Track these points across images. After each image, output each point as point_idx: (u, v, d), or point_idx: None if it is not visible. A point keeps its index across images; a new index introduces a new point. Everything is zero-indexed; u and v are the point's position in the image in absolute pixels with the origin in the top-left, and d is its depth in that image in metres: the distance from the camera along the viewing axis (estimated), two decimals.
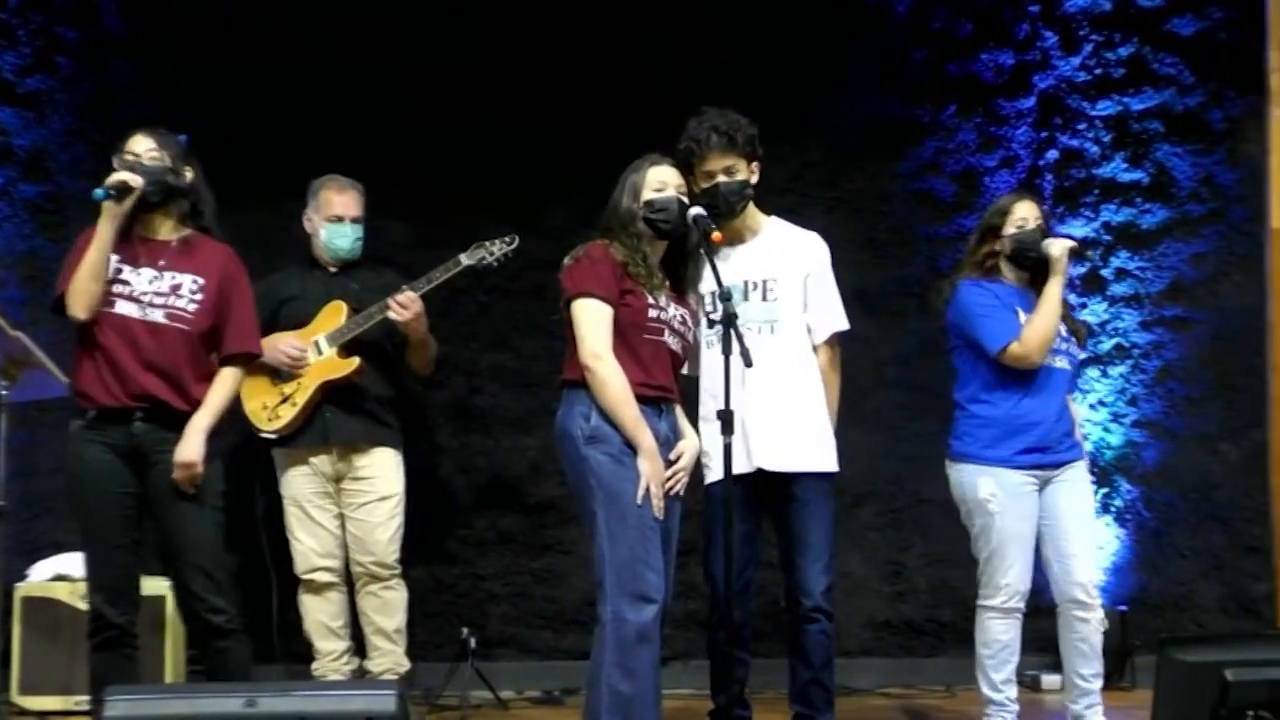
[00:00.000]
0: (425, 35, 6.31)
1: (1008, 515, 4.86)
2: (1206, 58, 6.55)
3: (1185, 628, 6.41)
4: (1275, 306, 6.46)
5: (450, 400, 6.39)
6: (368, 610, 5.50)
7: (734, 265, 4.61)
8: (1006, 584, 4.87)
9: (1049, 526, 4.91)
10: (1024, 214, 4.95)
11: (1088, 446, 6.11)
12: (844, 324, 4.73)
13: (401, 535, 5.52)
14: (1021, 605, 4.91)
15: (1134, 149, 6.56)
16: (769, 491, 4.58)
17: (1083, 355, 5.13)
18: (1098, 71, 6.57)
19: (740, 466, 4.45)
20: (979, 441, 4.92)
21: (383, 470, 5.49)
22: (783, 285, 4.63)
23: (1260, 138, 6.52)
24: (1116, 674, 6.14)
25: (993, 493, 4.88)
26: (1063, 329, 4.95)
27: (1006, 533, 4.86)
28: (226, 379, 4.52)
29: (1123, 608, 6.35)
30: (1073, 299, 6.33)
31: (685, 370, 4.60)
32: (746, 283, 4.61)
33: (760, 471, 4.54)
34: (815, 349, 4.68)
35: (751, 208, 4.70)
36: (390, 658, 5.50)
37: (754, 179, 4.66)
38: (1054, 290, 4.84)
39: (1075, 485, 4.93)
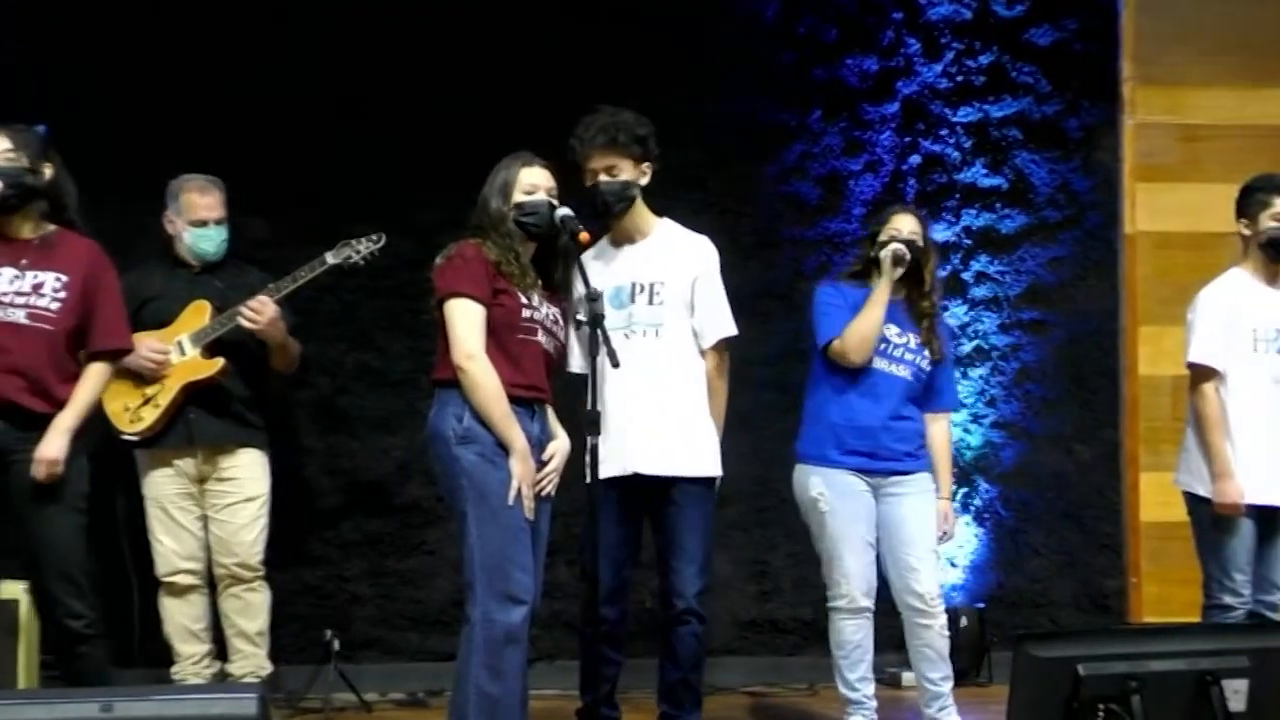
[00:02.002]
0: (290, 27, 6.23)
1: (837, 515, 4.93)
2: (1063, 67, 6.70)
3: (1040, 624, 6.55)
4: (1128, 310, 6.63)
5: (315, 400, 6.32)
6: (230, 613, 5.43)
7: (622, 266, 4.62)
8: (845, 584, 4.94)
9: (886, 536, 4.98)
10: (899, 225, 5.04)
11: None
12: (731, 330, 4.73)
13: (266, 537, 5.45)
14: (867, 604, 4.96)
15: (994, 155, 6.69)
16: (647, 494, 4.60)
17: (944, 371, 5.17)
18: (959, 79, 6.68)
19: (619, 469, 4.47)
20: (812, 442, 5.03)
21: (248, 471, 5.42)
22: (669, 289, 4.63)
23: (1114, 146, 6.69)
24: (974, 671, 6.26)
25: (821, 492, 4.97)
26: (914, 339, 5.03)
27: (837, 532, 4.93)
28: (93, 376, 4.43)
29: (980, 605, 6.46)
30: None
31: (575, 368, 4.60)
32: (634, 284, 4.61)
33: (637, 474, 4.56)
34: (703, 354, 4.69)
35: (642, 209, 4.70)
36: (252, 661, 5.43)
37: (643, 180, 4.66)
38: (877, 292, 4.93)
39: (914, 497, 4.99)
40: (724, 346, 4.73)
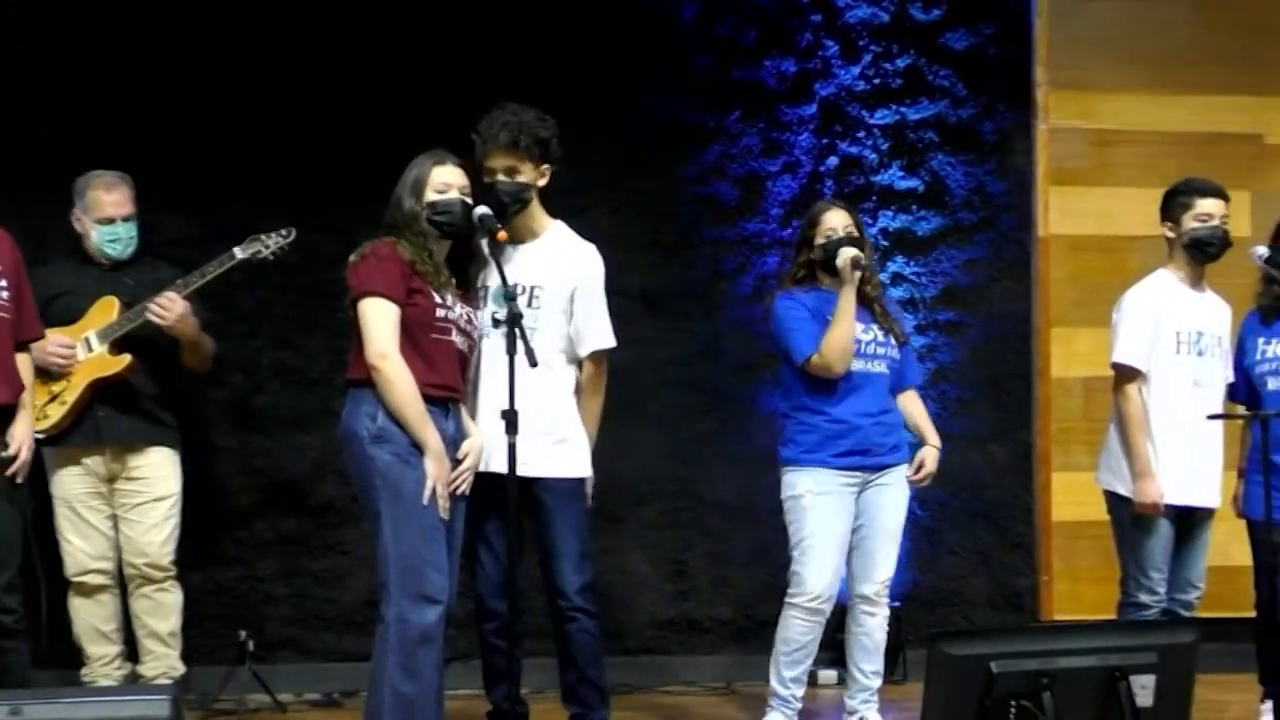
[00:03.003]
0: (205, 24, 6.16)
1: (819, 510, 4.97)
2: (978, 72, 6.77)
3: (955, 622, 6.61)
4: (1041, 312, 6.71)
5: (229, 399, 6.25)
6: (141, 613, 5.37)
7: (508, 266, 4.60)
8: (814, 583, 4.96)
9: (860, 525, 5.04)
10: (832, 224, 5.07)
11: None
12: (608, 342, 4.72)
13: (177, 536, 5.40)
14: (826, 608, 5.00)
15: (910, 158, 6.74)
16: (521, 494, 4.58)
17: (906, 351, 5.22)
18: (876, 81, 6.73)
19: (496, 466, 4.46)
20: (801, 446, 5.04)
21: (158, 470, 5.36)
22: (548, 293, 4.61)
23: (1028, 150, 6.76)
24: (890, 669, 6.29)
25: (809, 489, 5.00)
26: (879, 332, 5.07)
27: (817, 528, 4.97)
28: (26, 365, 4.44)
29: (896, 604, 6.50)
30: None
31: None
32: (515, 284, 4.61)
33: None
34: (580, 363, 4.68)
35: (536, 210, 4.68)
36: (164, 662, 5.37)
37: (541, 182, 4.65)
38: (843, 301, 4.96)
39: (893, 489, 5.07)
40: (601, 357, 4.71)
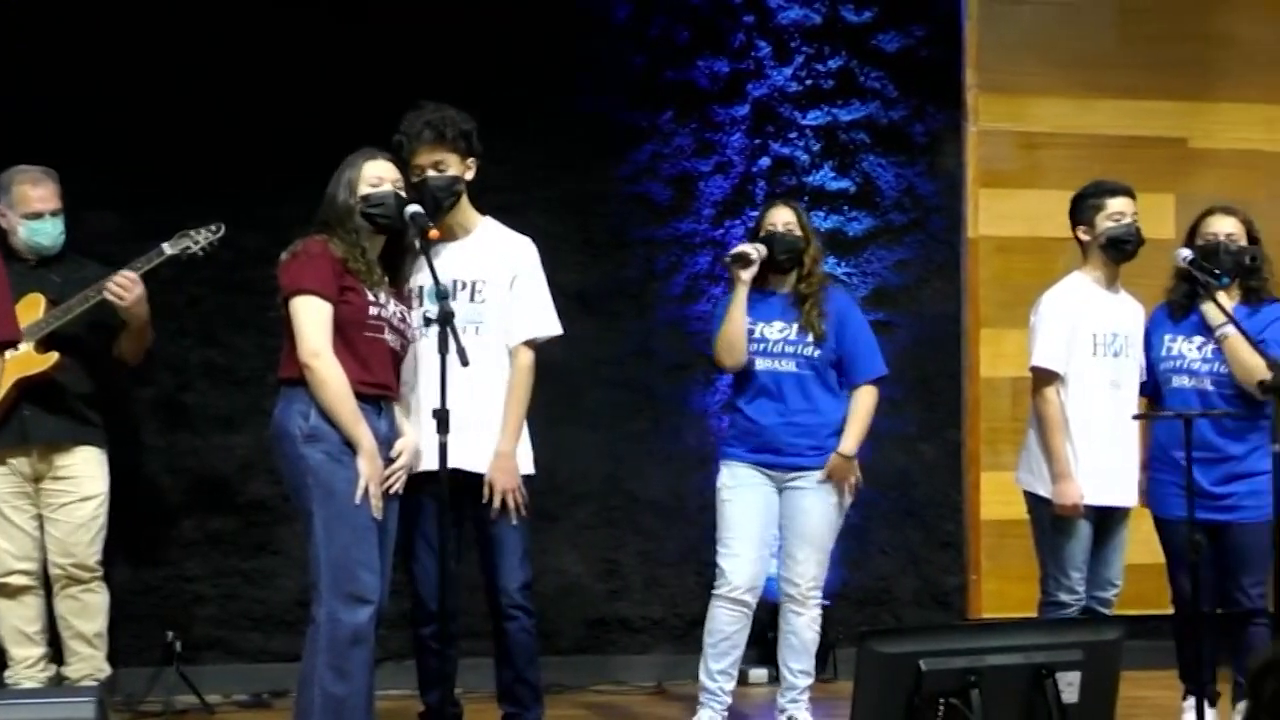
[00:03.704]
0: (138, 19, 6.09)
1: (736, 503, 5.09)
2: (909, 74, 6.82)
3: (884, 621, 6.65)
4: (970, 313, 6.77)
5: (157, 397, 6.19)
6: (66, 614, 5.30)
7: (444, 263, 4.58)
8: (734, 574, 5.03)
9: (784, 528, 5.13)
10: (773, 220, 5.14)
11: None
12: (552, 328, 4.72)
13: (104, 537, 5.33)
14: (749, 599, 5.05)
15: (841, 159, 6.78)
16: (466, 491, 4.58)
17: (855, 346, 5.23)
18: (808, 82, 6.76)
19: (435, 464, 4.45)
20: (724, 440, 5.28)
21: (85, 470, 5.30)
22: (491, 287, 4.61)
23: (958, 152, 6.82)
24: (819, 667, 6.32)
25: (726, 482, 5.14)
26: (794, 329, 5.10)
27: (733, 519, 5.07)
28: None
29: (826, 603, 6.52)
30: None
31: None
32: (455, 282, 4.57)
33: (457, 471, 4.52)
34: (511, 350, 4.65)
35: (466, 206, 4.68)
36: (90, 663, 5.31)
37: (468, 175, 4.65)
38: (733, 298, 5.04)
39: (812, 493, 5.10)
40: (535, 345, 4.68)
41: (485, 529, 4.61)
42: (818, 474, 5.11)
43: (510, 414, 4.61)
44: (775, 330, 5.10)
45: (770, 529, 5.11)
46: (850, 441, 5.16)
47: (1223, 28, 6.98)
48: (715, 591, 5.09)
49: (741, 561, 5.03)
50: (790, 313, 5.11)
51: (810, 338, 5.11)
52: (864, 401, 5.22)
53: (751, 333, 5.09)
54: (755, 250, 5.03)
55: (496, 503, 4.55)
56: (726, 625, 5.05)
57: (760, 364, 5.09)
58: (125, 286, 5.09)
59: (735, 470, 5.12)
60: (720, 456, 5.24)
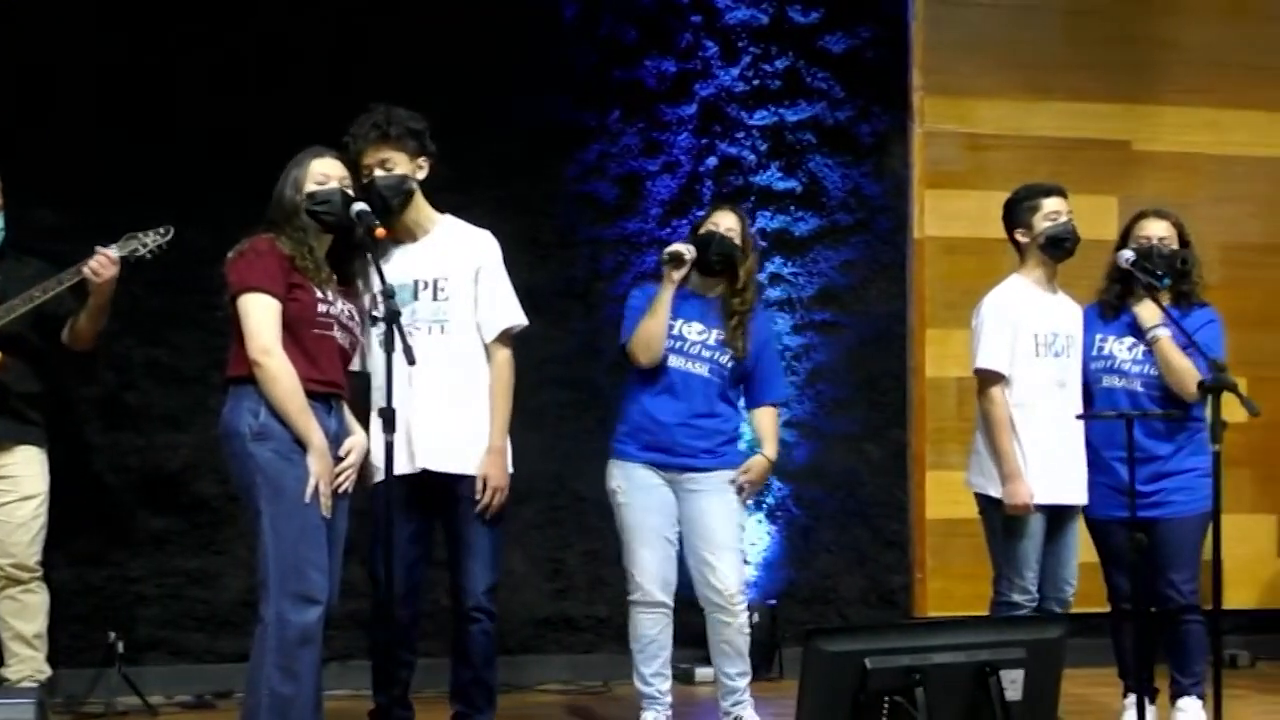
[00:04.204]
0: (83, 16, 6.04)
1: (633, 507, 5.03)
2: (855, 75, 6.85)
3: (830, 619, 6.68)
4: (916, 313, 6.81)
5: (101, 396, 6.14)
6: (6, 615, 5.25)
7: (405, 263, 4.57)
8: (639, 576, 5.02)
9: (688, 534, 5.06)
10: (716, 222, 5.13)
11: (741, 446, 6.29)
12: (518, 320, 4.70)
13: (44, 536, 5.28)
14: (664, 599, 5.03)
15: (788, 159, 6.80)
16: (436, 492, 4.57)
17: (764, 366, 5.23)
18: (755, 82, 6.78)
19: (406, 466, 4.44)
20: (615, 436, 5.15)
21: (26, 469, 5.24)
22: (453, 284, 4.59)
23: (904, 153, 6.86)
24: (765, 666, 6.36)
25: (619, 484, 5.07)
26: (713, 336, 5.10)
27: (633, 524, 5.03)
28: None
29: (772, 602, 6.57)
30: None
31: (354, 365, 4.54)
32: (417, 282, 4.56)
33: (426, 471, 4.52)
34: (487, 347, 4.65)
35: (423, 205, 4.66)
36: (30, 664, 5.25)
37: (420, 175, 4.63)
38: (658, 295, 5.02)
39: (711, 495, 5.06)
40: (509, 339, 4.69)
41: (457, 529, 4.60)
42: (713, 476, 5.06)
43: (497, 410, 4.63)
44: (694, 331, 5.08)
45: (671, 526, 5.05)
46: (773, 448, 5.21)
47: (1166, 32, 7.06)
48: (630, 598, 5.06)
49: (649, 564, 4.99)
50: (712, 318, 5.09)
51: (730, 351, 5.10)
52: (772, 418, 5.28)
53: (670, 329, 5.06)
54: (688, 251, 5.02)
55: (488, 499, 4.55)
56: (649, 629, 5.04)
57: (673, 361, 5.05)
58: (104, 264, 5.02)
59: (628, 471, 5.05)
60: (610, 454, 5.13)
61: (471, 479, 4.56)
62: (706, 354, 5.08)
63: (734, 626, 5.05)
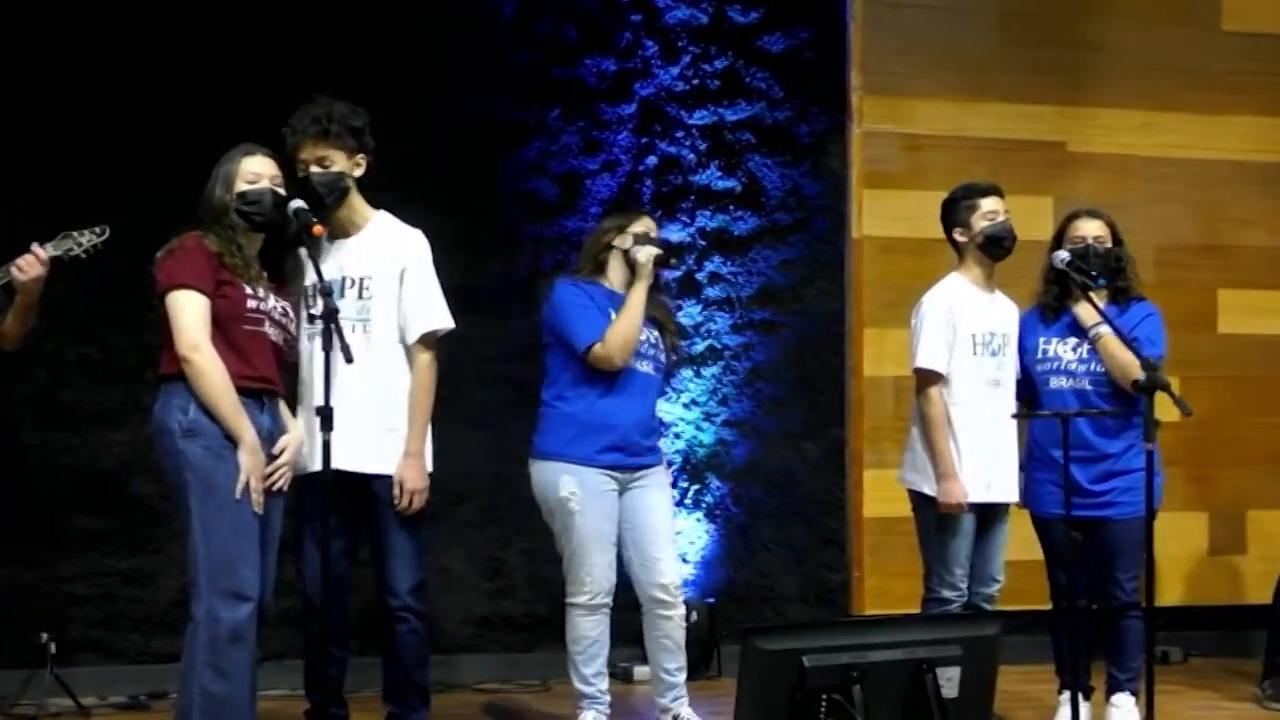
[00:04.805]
0: (17, 14, 5.97)
1: (588, 514, 4.97)
2: (794, 75, 6.87)
3: (768, 618, 6.70)
4: (854, 312, 6.84)
5: (33, 394, 6.07)
6: None
7: (334, 260, 4.56)
8: (591, 581, 4.99)
9: (630, 529, 5.05)
10: (645, 227, 5.11)
11: (680, 445, 6.31)
12: (443, 322, 4.69)
13: None
14: (607, 601, 5.03)
15: (727, 158, 6.82)
16: (354, 490, 4.54)
17: (674, 359, 5.29)
18: (695, 82, 6.79)
19: (320, 465, 4.42)
20: (560, 439, 5.03)
21: None
22: (378, 283, 4.58)
23: (842, 153, 6.88)
24: (704, 664, 6.37)
25: (573, 491, 4.98)
26: (653, 335, 5.11)
27: (588, 531, 4.97)
28: None
29: (710, 600, 6.58)
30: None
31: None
32: (344, 278, 4.55)
33: (347, 472, 4.48)
34: (409, 349, 4.63)
35: (357, 202, 4.65)
36: None
37: (357, 172, 4.61)
38: (635, 295, 4.99)
39: (656, 490, 5.09)
40: (432, 340, 4.66)
41: (379, 530, 4.59)
42: (656, 470, 5.11)
43: (416, 414, 4.60)
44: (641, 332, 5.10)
45: (615, 530, 5.06)
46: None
47: (1099, 35, 7.12)
48: (574, 601, 5.01)
49: (598, 569, 4.97)
50: (646, 319, 5.10)
51: (664, 346, 5.16)
52: None
53: None
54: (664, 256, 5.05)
55: (405, 503, 4.53)
56: (591, 630, 5.03)
57: (630, 362, 5.05)
58: (30, 263, 4.95)
59: (581, 477, 4.96)
60: (549, 454, 5.02)
61: (387, 479, 4.55)
62: (651, 352, 5.10)
63: (674, 620, 5.06)
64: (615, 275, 5.10)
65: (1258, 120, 7.25)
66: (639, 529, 5.04)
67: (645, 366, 5.08)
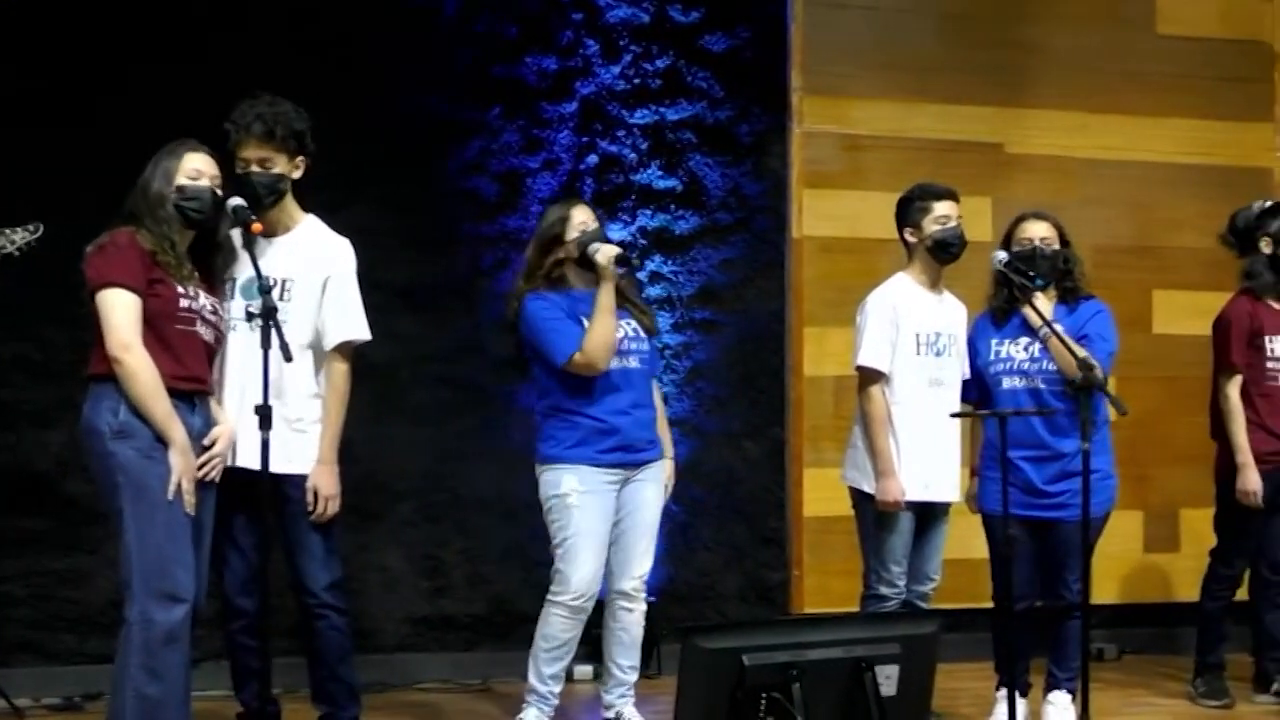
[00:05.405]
0: None
1: (586, 510, 4.96)
2: (735, 75, 6.89)
3: (708, 617, 6.72)
4: (794, 312, 6.86)
5: None
6: None
7: (259, 259, 4.53)
8: (578, 581, 4.97)
9: (620, 520, 5.07)
10: (582, 218, 5.09)
11: None
12: (361, 334, 4.67)
13: None
14: (588, 606, 5.02)
15: (668, 158, 6.82)
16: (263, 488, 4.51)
17: (653, 344, 5.27)
18: (636, 81, 6.79)
19: (233, 460, 4.40)
20: (564, 444, 5.01)
21: None
22: (299, 287, 4.56)
23: (783, 153, 6.90)
24: (644, 663, 6.36)
25: (574, 488, 4.98)
26: (631, 327, 5.11)
27: (582, 527, 4.96)
28: None
29: (651, 599, 6.56)
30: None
31: None
32: (268, 278, 4.52)
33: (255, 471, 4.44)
34: (325, 356, 4.61)
35: (290, 204, 4.63)
36: None
37: (295, 175, 4.59)
38: (603, 298, 4.95)
39: (651, 485, 5.12)
40: (349, 350, 4.65)
41: (290, 530, 4.58)
42: (655, 466, 5.13)
43: (330, 422, 4.59)
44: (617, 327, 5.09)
45: (608, 535, 5.09)
46: (670, 444, 5.32)
47: (1037, 37, 7.18)
48: (555, 598, 5.00)
49: (587, 569, 4.97)
50: (619, 311, 5.09)
51: (643, 333, 5.15)
52: (660, 399, 5.35)
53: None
54: (624, 252, 5.04)
55: (321, 508, 4.54)
56: (563, 632, 5.02)
57: (613, 362, 5.02)
58: None
59: (583, 474, 4.96)
60: (553, 460, 5.01)
61: (294, 478, 4.53)
62: (633, 346, 5.09)
63: (634, 615, 5.12)
64: (575, 277, 5.08)
65: (1192, 123, 7.34)
66: (626, 521, 5.07)
67: (633, 362, 5.08)
